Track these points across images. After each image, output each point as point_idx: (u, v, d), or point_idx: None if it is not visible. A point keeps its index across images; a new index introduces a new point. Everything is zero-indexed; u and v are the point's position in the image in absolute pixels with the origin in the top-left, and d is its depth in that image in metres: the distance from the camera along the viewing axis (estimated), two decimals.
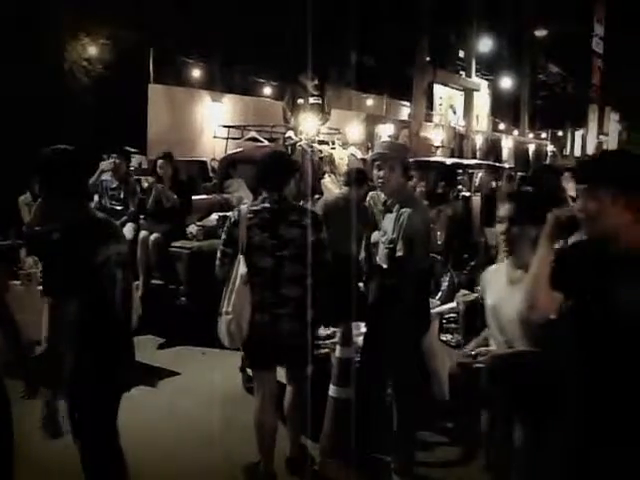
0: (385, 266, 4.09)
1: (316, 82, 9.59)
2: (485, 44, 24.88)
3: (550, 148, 29.79)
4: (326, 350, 4.84)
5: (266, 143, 10.25)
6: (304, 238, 3.98)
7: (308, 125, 9.31)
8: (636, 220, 2.34)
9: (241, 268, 3.94)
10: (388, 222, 4.14)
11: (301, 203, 8.17)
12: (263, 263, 3.99)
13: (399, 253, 3.95)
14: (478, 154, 20.76)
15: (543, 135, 32.65)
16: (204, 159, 12.60)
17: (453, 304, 5.35)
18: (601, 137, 40.33)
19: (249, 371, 5.07)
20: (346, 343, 4.43)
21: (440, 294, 5.58)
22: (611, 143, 41.01)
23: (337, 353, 4.46)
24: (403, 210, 4.05)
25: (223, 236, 4.15)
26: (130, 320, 3.31)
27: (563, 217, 2.46)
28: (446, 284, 5.62)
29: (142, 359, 6.42)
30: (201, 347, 6.75)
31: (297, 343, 4.05)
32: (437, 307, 5.25)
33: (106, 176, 7.87)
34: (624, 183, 2.33)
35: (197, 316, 6.16)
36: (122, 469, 3.27)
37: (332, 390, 4.46)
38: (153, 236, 7.47)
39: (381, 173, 4.13)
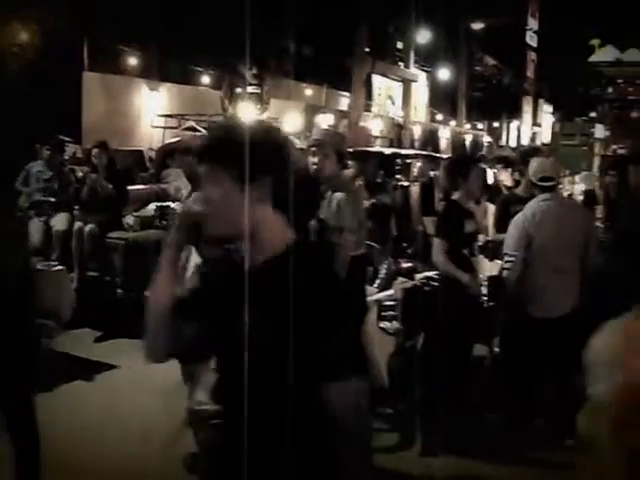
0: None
1: (255, 71, 9.59)
2: (423, 36, 25.17)
3: (486, 139, 30.35)
4: None
5: (204, 132, 10.15)
6: None
7: (247, 114, 9.28)
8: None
9: (194, 258, 3.89)
10: (322, 209, 4.18)
11: None
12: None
13: (330, 239, 3.99)
14: (416, 144, 20.99)
15: (480, 126, 33.26)
16: (141, 148, 12.40)
17: (391, 291, 5.41)
18: (535, 128, 41.30)
19: None
20: None
21: (378, 281, 5.63)
22: (544, 134, 42.04)
23: None
24: (334, 196, 4.09)
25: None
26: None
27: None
28: (384, 272, 5.67)
29: (79, 353, 6.38)
30: (139, 339, 6.65)
31: None
32: (375, 294, 5.29)
33: (38, 167, 7.66)
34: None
35: (134, 308, 6.06)
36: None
37: None
38: (88, 227, 7.32)
39: (316, 160, 4.18)
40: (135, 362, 6.25)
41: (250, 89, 9.54)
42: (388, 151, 14.27)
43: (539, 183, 4.85)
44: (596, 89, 56.71)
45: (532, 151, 7.21)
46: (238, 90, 9.53)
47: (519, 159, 6.77)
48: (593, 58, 61.00)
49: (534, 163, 5.02)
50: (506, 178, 7.24)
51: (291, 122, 11.49)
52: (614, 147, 46.63)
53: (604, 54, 61.01)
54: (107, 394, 5.54)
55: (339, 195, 4.09)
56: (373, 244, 5.89)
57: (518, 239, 4.75)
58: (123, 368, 6.13)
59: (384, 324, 5.34)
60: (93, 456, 4.36)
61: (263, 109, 9.65)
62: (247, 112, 9.29)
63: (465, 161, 5.56)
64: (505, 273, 4.84)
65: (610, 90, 58.76)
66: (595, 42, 59.51)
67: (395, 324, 5.27)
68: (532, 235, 4.71)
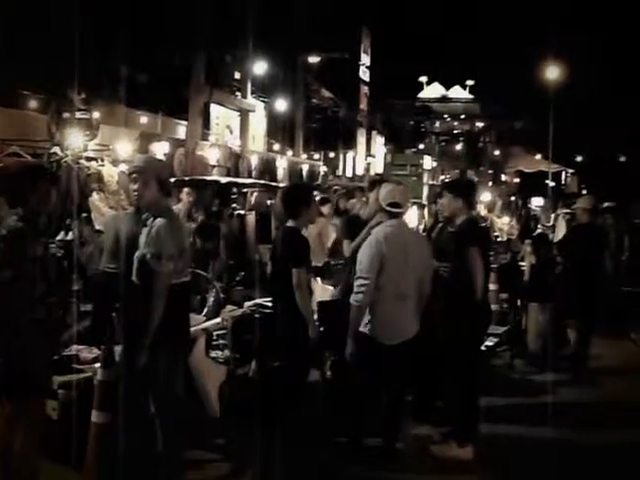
0: (137, 282, 4.02)
1: (83, 96, 9.25)
2: (260, 67, 25.47)
3: (323, 168, 31.10)
4: (89, 374, 4.61)
5: (29, 159, 9.66)
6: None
7: (74, 140, 8.93)
8: None
9: None
10: (143, 237, 4.09)
11: (67, 221, 7.84)
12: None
13: (151, 267, 3.91)
14: (254, 173, 21.10)
15: (316, 156, 34.03)
16: None
17: (218, 320, 5.37)
18: (369, 159, 42.93)
19: None
20: (107, 365, 4.27)
21: (206, 310, 5.57)
22: (378, 164, 43.78)
23: (98, 376, 4.28)
24: (155, 223, 4.02)
25: None
26: None
27: None
28: (212, 300, 5.62)
29: None
30: None
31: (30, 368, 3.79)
32: (202, 323, 5.22)
33: None
34: None
35: None
36: None
37: (94, 415, 4.27)
38: None
39: (137, 187, 4.10)
40: None
41: (79, 114, 9.17)
42: (224, 180, 14.27)
43: (388, 208, 4.98)
44: (425, 123, 60.27)
45: (380, 179, 7.49)
46: (66, 115, 9.13)
47: (367, 186, 6.95)
48: (422, 94, 64.65)
49: (385, 189, 5.14)
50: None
51: (123, 149, 11.18)
52: (442, 177, 49.36)
53: (432, 91, 64.89)
54: None
55: (160, 222, 4.02)
56: (201, 272, 5.83)
57: (372, 262, 4.80)
58: None
59: (215, 353, 5.29)
60: None
61: (92, 135, 9.32)
62: (75, 138, 8.92)
63: (306, 189, 5.67)
64: (358, 297, 4.81)
65: (437, 124, 62.67)
66: (423, 79, 63.23)
67: (226, 352, 5.23)
68: (384, 259, 4.80)
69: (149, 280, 3.93)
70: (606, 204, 11.55)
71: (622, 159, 64.16)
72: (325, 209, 9.00)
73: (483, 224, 12.80)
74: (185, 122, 19.57)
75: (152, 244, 3.96)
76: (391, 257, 4.83)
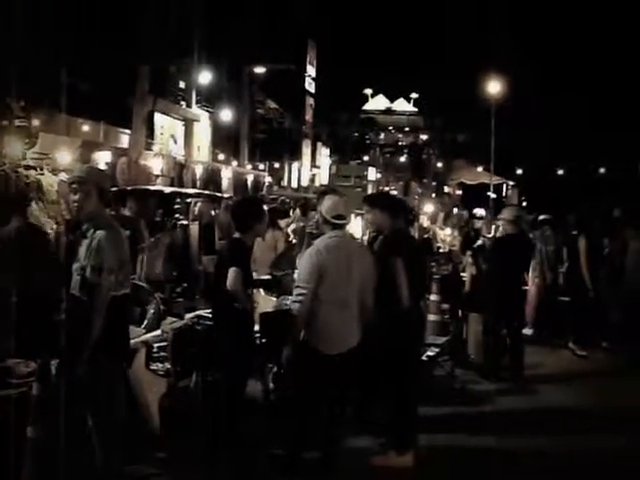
0: (77, 294, 3.96)
1: (22, 104, 9.08)
2: (205, 76, 25.33)
3: (267, 179, 31.09)
4: (24, 388, 4.49)
5: None
6: None
7: (13, 149, 8.74)
8: None
9: None
10: (83, 249, 4.03)
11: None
12: None
13: (89, 279, 3.85)
14: (198, 183, 20.95)
15: (261, 166, 33.99)
16: None
17: (158, 332, 5.30)
18: (314, 170, 43.12)
19: None
20: (43, 379, 4.17)
21: (146, 322, 5.49)
22: (323, 175, 44.03)
23: (34, 390, 4.17)
24: (95, 234, 3.97)
25: None
26: None
27: None
28: (152, 311, 5.55)
29: None
30: None
31: None
32: (142, 336, 5.16)
33: None
34: None
35: None
36: None
37: (30, 431, 4.16)
38: None
39: (77, 197, 4.04)
40: None
41: (17, 122, 9.00)
42: (168, 190, 14.13)
43: (332, 220, 5.02)
44: (369, 135, 60.86)
45: (329, 190, 7.52)
46: (4, 123, 8.94)
47: (317, 197, 6.98)
48: (367, 106, 65.28)
49: (328, 201, 5.17)
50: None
51: (63, 158, 10.96)
52: (386, 188, 49.80)
53: (376, 103, 65.60)
54: None
55: (100, 233, 3.96)
56: (141, 284, 5.75)
57: (311, 272, 4.82)
58: None
59: (156, 365, 5.22)
60: None
61: (31, 143, 9.15)
62: (13, 146, 8.74)
63: (257, 203, 5.69)
64: (296, 307, 4.82)
65: (382, 136, 63.35)
66: (368, 92, 63.91)
67: (167, 365, 5.17)
68: (324, 269, 4.82)
69: (89, 292, 3.86)
70: (542, 217, 11.83)
71: (560, 172, 66.02)
72: (283, 222, 9.02)
73: (425, 235, 13.01)
74: (129, 131, 19.33)
75: (92, 256, 3.89)
76: (332, 267, 4.85)
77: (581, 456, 5.82)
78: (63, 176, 9.96)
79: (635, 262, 9.43)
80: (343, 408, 5.28)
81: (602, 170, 62.31)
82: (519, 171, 63.26)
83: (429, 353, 7.39)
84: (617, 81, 68.24)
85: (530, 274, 10.45)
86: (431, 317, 8.21)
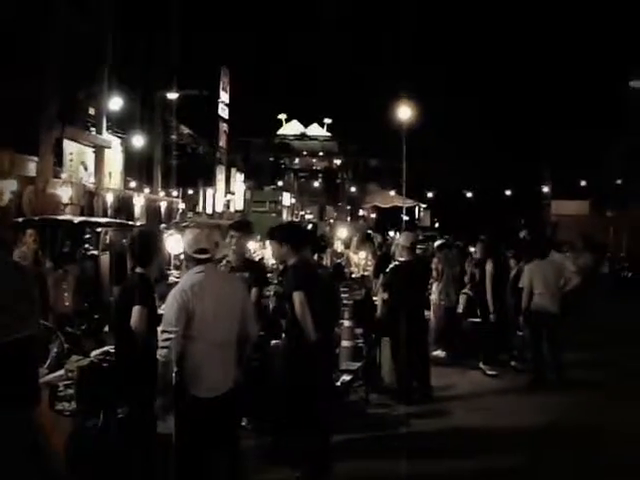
0: None
1: None
2: (116, 102, 24.95)
3: (181, 205, 30.77)
4: None
5: None
6: None
7: None
8: None
9: None
10: None
11: None
12: None
13: None
14: (109, 212, 20.57)
15: (175, 193, 33.63)
16: None
17: (61, 372, 5.12)
18: (229, 196, 42.96)
19: None
20: None
21: (48, 362, 5.30)
22: (238, 201, 43.92)
23: None
24: None
25: None
26: None
27: None
28: (55, 350, 5.36)
29: None
30: None
31: None
32: (45, 376, 4.98)
33: None
34: None
35: None
36: None
37: None
38: None
39: None
40: None
41: None
42: (77, 219, 13.83)
43: (194, 255, 4.70)
44: (284, 160, 61.19)
45: (246, 222, 7.49)
46: None
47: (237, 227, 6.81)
48: (281, 131, 65.65)
49: (189, 235, 4.87)
50: None
51: None
52: (301, 213, 50.05)
53: (290, 128, 66.05)
54: None
55: None
56: (42, 322, 5.56)
57: (177, 315, 4.46)
58: None
59: (62, 405, 5.05)
60: None
61: None
62: None
63: (154, 235, 5.45)
64: (163, 352, 4.43)
65: (296, 161, 63.76)
66: (282, 117, 64.26)
67: (73, 404, 5.01)
68: (191, 310, 4.48)
69: None
70: (438, 242, 12.55)
71: (468, 195, 68.10)
72: None
73: (338, 261, 13.13)
74: (36, 158, 18.82)
75: None
76: (199, 306, 4.51)
77: (492, 476, 5.98)
78: None
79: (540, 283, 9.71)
80: (239, 452, 5.02)
81: (508, 192, 64.70)
82: (430, 194, 64.95)
83: (344, 378, 7.45)
84: (518, 114, 71.99)
85: (434, 296, 10.74)
86: (344, 343, 8.28)
